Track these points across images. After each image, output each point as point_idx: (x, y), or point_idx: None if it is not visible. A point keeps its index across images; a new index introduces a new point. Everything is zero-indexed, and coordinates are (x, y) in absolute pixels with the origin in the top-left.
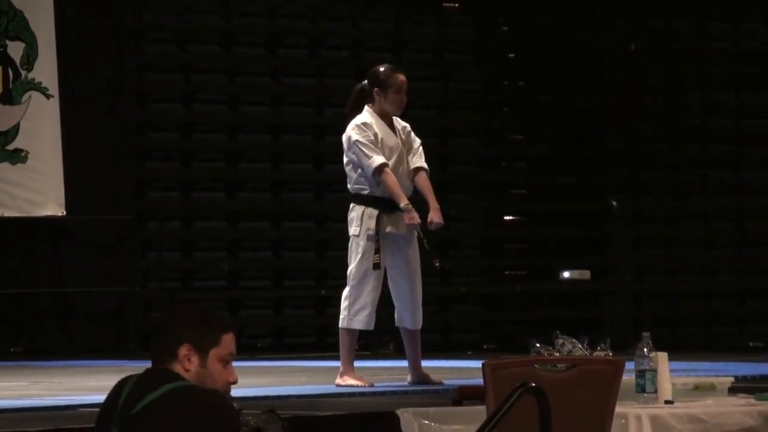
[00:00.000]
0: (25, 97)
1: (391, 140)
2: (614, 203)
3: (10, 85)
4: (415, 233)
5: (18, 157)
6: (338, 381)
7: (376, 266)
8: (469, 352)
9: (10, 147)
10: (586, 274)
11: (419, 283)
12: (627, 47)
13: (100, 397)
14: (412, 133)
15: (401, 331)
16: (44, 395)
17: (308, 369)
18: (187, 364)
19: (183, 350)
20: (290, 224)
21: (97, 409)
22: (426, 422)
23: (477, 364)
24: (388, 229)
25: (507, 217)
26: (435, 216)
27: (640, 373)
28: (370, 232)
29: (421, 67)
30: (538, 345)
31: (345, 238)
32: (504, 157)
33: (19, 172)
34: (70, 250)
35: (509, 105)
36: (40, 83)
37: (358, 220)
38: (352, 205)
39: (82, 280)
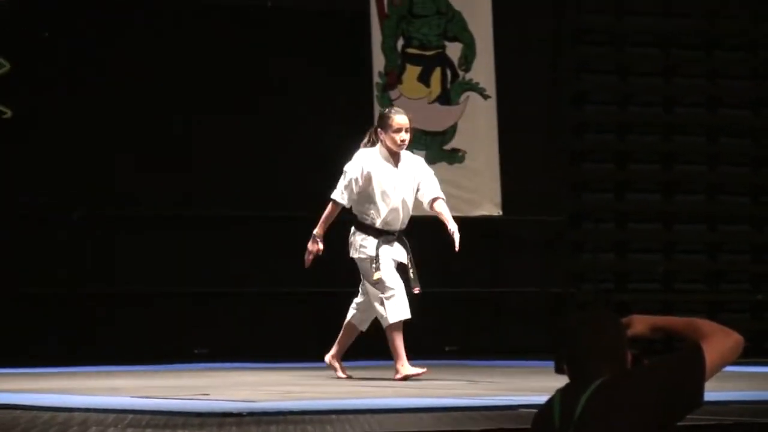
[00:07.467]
0: (463, 97)
1: (389, 175)
2: None
3: (448, 85)
4: None
5: (455, 157)
6: None
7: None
8: None
9: (448, 147)
10: None
11: None
12: None
13: (540, 398)
14: (424, 167)
15: None
16: (483, 395)
17: (745, 374)
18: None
19: (629, 355)
20: (726, 227)
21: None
22: None
23: None
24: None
25: None
26: (454, 237)
27: None
28: None
29: None
30: None
31: None
32: None
33: (455, 172)
34: (503, 249)
35: None
36: (478, 84)
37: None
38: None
39: (514, 279)
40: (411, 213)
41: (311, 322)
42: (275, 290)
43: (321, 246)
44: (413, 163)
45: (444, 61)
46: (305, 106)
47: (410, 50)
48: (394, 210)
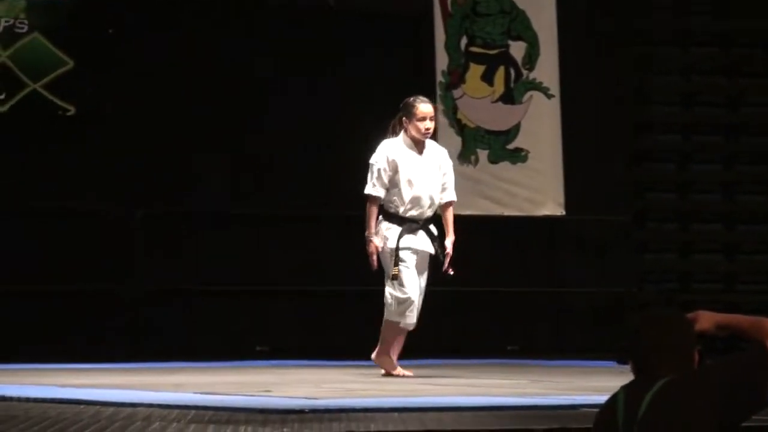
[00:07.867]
0: (526, 96)
1: (414, 163)
2: None
3: (512, 84)
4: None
5: (518, 156)
6: None
7: None
8: None
9: (511, 146)
10: None
11: None
12: None
13: (601, 398)
14: (448, 160)
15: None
16: (545, 394)
17: None
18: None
19: (696, 354)
20: None
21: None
22: None
23: None
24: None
25: None
26: (448, 247)
27: None
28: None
29: None
30: None
31: None
32: None
33: (519, 172)
34: (565, 249)
35: None
36: (541, 83)
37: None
38: None
39: (576, 279)
40: (436, 202)
41: (372, 320)
42: (336, 288)
43: (379, 243)
44: (438, 152)
45: (507, 60)
46: (368, 105)
47: (474, 49)
48: (417, 197)
